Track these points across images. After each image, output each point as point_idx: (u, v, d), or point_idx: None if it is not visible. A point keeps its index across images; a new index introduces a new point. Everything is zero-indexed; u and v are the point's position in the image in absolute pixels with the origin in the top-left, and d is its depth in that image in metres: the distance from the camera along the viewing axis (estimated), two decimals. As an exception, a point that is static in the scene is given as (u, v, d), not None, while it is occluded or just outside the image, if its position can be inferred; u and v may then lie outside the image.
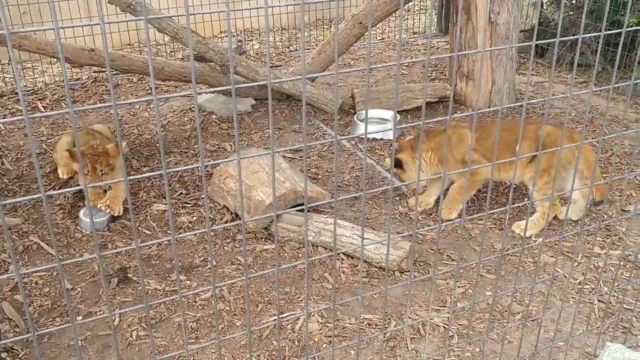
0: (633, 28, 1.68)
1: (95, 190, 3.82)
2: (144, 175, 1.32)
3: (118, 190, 3.83)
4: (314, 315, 2.98)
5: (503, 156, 3.47)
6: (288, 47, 7.30)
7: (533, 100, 1.62)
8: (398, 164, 3.85)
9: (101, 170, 3.65)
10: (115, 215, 3.76)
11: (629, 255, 3.44)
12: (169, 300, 3.09)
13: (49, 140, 4.84)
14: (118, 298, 3.15)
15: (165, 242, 3.50)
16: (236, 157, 1.48)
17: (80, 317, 3.00)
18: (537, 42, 1.82)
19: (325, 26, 8.03)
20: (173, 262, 3.39)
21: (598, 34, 1.80)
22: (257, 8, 1.18)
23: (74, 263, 3.38)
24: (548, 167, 3.57)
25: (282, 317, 2.97)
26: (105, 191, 3.84)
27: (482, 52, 1.65)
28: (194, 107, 5.45)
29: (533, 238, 3.63)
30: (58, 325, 2.92)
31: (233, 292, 3.17)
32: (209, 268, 3.35)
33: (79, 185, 3.85)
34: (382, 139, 4.87)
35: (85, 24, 1.21)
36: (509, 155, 3.41)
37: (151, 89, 5.91)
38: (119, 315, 2.99)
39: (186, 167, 1.24)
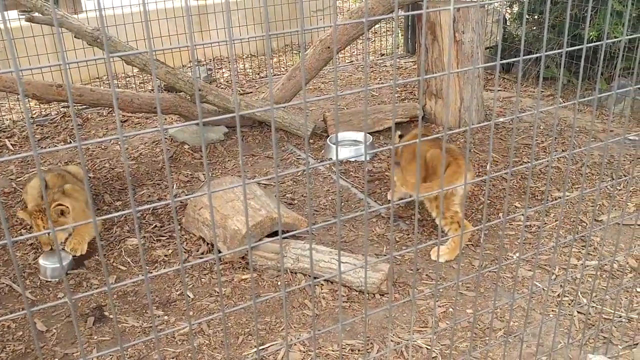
0: (593, 44, 1.71)
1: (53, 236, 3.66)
2: (113, 215, 1.29)
3: (85, 227, 3.69)
4: (295, 345, 2.95)
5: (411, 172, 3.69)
6: (258, 74, 7.32)
7: (500, 119, 1.63)
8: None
9: (44, 227, 3.51)
10: (78, 255, 3.59)
11: (605, 265, 3.47)
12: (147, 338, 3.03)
13: (19, 179, 4.76)
14: (95, 337, 3.07)
15: (139, 281, 3.43)
16: (207, 190, 1.46)
17: (56, 360, 2.92)
18: (502, 61, 1.84)
19: (294, 51, 8.08)
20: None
21: (560, 51, 1.83)
22: (220, 42, 1.18)
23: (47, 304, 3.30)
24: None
25: (262, 349, 2.92)
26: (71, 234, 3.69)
27: (448, 74, 1.66)
28: (165, 138, 5.41)
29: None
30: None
31: (212, 325, 3.12)
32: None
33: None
34: (355, 161, 4.89)
35: (45, 65, 1.19)
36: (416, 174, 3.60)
37: (121, 122, 5.87)
38: (96, 358, 2.92)
39: (155, 204, 1.22)
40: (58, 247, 1.25)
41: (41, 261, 3.57)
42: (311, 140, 5.31)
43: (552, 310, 3.15)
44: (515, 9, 6.94)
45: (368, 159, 4.90)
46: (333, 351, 2.91)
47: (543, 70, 1.70)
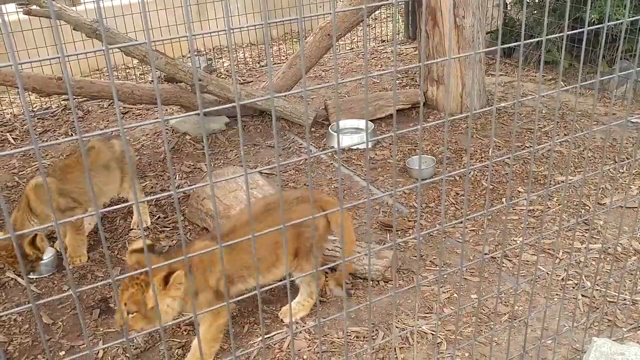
0: (594, 27, 1.70)
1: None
2: (116, 207, 1.29)
3: (73, 242, 3.58)
4: (300, 333, 2.96)
5: (268, 259, 2.81)
6: (259, 63, 7.30)
7: (502, 104, 1.63)
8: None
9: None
10: (84, 261, 3.59)
11: (609, 248, 3.47)
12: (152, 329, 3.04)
13: (21, 173, 4.76)
14: (101, 329, 3.09)
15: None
16: (209, 181, 1.46)
17: (62, 353, 2.94)
18: (503, 46, 1.83)
19: (294, 39, 8.04)
20: (155, 288, 3.33)
21: (561, 34, 1.82)
22: (219, 31, 1.17)
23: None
24: (305, 248, 2.85)
25: (268, 337, 2.93)
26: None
27: (449, 59, 1.65)
28: (167, 129, 5.41)
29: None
30: (40, 362, 2.86)
31: (218, 315, 3.13)
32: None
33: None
34: (357, 149, 4.88)
35: (44, 58, 1.18)
36: (273, 255, 2.78)
37: (122, 114, 5.85)
38: (102, 349, 2.94)
39: (157, 196, 1.22)
40: (61, 243, 1.25)
41: None
42: (313, 129, 5.30)
43: (557, 294, 3.15)
44: (516, -8, 6.88)
45: (370, 146, 4.89)
46: (338, 338, 2.93)
47: (544, 54, 1.69)
